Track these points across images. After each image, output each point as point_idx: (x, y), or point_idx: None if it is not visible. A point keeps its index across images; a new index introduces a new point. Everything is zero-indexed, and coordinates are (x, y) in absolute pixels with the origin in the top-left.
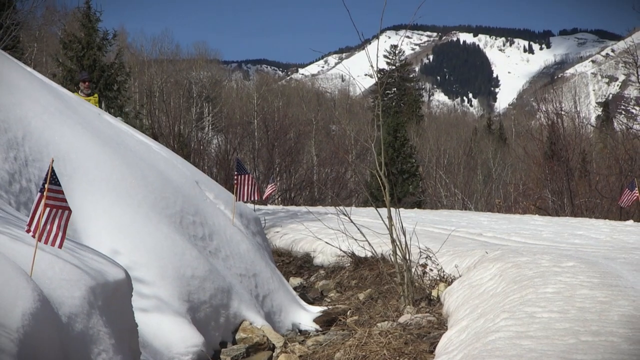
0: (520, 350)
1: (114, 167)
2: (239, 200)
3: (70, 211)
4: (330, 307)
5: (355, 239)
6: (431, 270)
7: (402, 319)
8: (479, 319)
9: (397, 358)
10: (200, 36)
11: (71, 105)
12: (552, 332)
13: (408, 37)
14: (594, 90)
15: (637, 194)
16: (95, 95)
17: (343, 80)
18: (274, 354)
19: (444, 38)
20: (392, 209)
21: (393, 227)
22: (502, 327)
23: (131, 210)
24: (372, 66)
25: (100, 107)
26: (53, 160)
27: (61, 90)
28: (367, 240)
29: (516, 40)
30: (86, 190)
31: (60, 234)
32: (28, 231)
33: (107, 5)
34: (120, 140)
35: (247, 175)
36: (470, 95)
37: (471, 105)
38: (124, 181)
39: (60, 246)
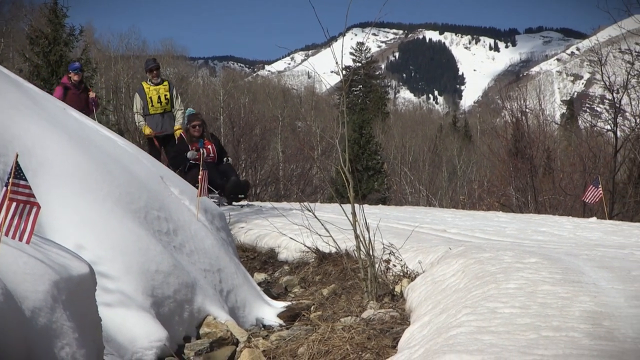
0: (481, 345)
1: (79, 162)
2: (202, 195)
3: (39, 207)
4: (294, 302)
5: (320, 235)
6: (394, 266)
7: (365, 314)
8: (441, 314)
9: (360, 353)
10: (167, 33)
11: (37, 100)
12: (513, 327)
13: (374, 34)
14: (559, 88)
15: (602, 191)
16: (165, 82)
17: (309, 77)
18: (237, 348)
19: (410, 36)
20: (356, 205)
21: (357, 223)
22: (463, 322)
23: (96, 205)
24: (337, 63)
25: (171, 95)
26: (18, 155)
27: (27, 85)
28: (331, 236)
29: (482, 38)
30: (51, 185)
31: (28, 229)
32: None
33: (74, 1)
34: (86, 135)
35: (206, 171)
36: (436, 92)
37: (437, 103)
38: (89, 176)
39: (28, 241)
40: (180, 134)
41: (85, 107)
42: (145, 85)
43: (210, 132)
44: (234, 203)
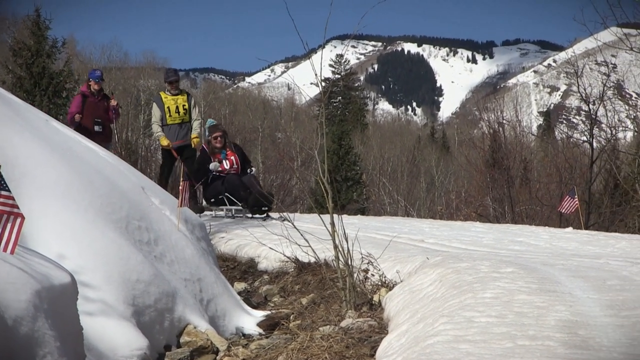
0: (458, 354)
1: (61, 173)
2: (183, 206)
3: (23, 218)
4: (273, 311)
5: (299, 245)
6: (373, 275)
7: (343, 323)
8: (418, 323)
9: None
10: (148, 45)
11: (20, 112)
12: (489, 336)
13: (353, 46)
14: (536, 100)
15: (578, 202)
16: (184, 93)
17: (289, 88)
18: (217, 357)
19: (388, 48)
20: (335, 216)
21: (336, 233)
22: (440, 332)
23: (78, 215)
24: (316, 75)
25: (189, 105)
26: (0, 166)
27: (9, 96)
28: (310, 246)
29: (460, 50)
30: (34, 196)
31: (12, 240)
32: None
33: (56, 13)
34: (68, 146)
35: (188, 182)
36: (414, 104)
37: (415, 114)
38: (71, 187)
39: (12, 252)
40: (202, 146)
41: (105, 115)
42: (163, 95)
43: (233, 142)
44: (256, 216)
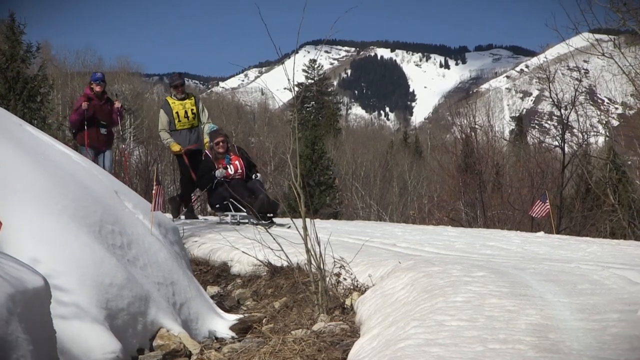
0: (428, 357)
1: (35, 177)
2: (156, 210)
3: (0, 223)
4: (246, 315)
5: (272, 249)
6: (345, 279)
7: (316, 327)
8: (390, 327)
9: None
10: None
11: None
12: (460, 340)
13: (326, 51)
14: (508, 105)
15: (549, 206)
16: (191, 97)
17: (262, 93)
18: None
19: (361, 53)
20: (308, 220)
21: (308, 237)
22: (411, 335)
23: (52, 219)
24: (289, 80)
25: (197, 109)
26: None
27: None
28: (282, 250)
29: (432, 55)
30: (7, 200)
31: None
32: None
33: (31, 18)
34: (42, 150)
35: (160, 186)
36: (387, 109)
37: (388, 119)
38: (45, 191)
39: None
40: (205, 152)
41: (109, 118)
42: (170, 100)
43: (237, 145)
44: (262, 222)
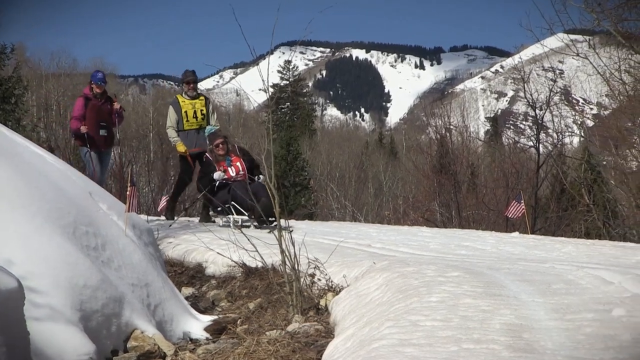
0: (402, 358)
1: (9, 179)
2: (131, 211)
3: None
4: (220, 316)
5: (246, 250)
6: (319, 280)
7: (290, 328)
8: (364, 327)
9: None
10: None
11: None
12: (434, 340)
13: (302, 52)
14: (483, 105)
15: (524, 207)
16: (202, 97)
17: (237, 95)
18: None
19: (337, 54)
20: (282, 220)
21: (282, 238)
22: (386, 335)
23: (26, 221)
24: (264, 81)
25: (207, 110)
26: None
27: None
28: (257, 251)
29: (407, 56)
30: None
31: None
32: None
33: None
34: (16, 152)
35: (135, 187)
36: (363, 110)
37: (363, 120)
38: (19, 192)
39: None
40: (205, 155)
41: (109, 118)
42: (180, 98)
43: (239, 146)
44: (264, 226)
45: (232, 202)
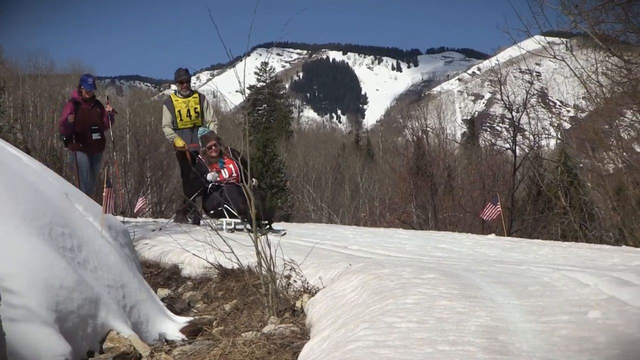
0: (378, 359)
1: None
2: (107, 212)
3: None
4: (196, 317)
5: (222, 251)
6: (295, 281)
7: (266, 329)
8: (340, 329)
9: None
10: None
11: None
12: (410, 342)
13: (278, 54)
14: (460, 107)
15: (500, 209)
16: (195, 94)
17: (214, 96)
18: None
19: (313, 56)
20: (277, 224)
21: (258, 239)
22: (361, 337)
23: (1, 222)
24: (240, 83)
25: (202, 107)
26: None
27: None
28: (233, 252)
29: (385, 58)
30: None
31: None
32: None
33: None
34: None
35: (110, 188)
36: (339, 112)
37: (340, 122)
38: None
39: None
40: (198, 157)
41: (99, 121)
42: (173, 97)
43: (232, 148)
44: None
45: (225, 206)
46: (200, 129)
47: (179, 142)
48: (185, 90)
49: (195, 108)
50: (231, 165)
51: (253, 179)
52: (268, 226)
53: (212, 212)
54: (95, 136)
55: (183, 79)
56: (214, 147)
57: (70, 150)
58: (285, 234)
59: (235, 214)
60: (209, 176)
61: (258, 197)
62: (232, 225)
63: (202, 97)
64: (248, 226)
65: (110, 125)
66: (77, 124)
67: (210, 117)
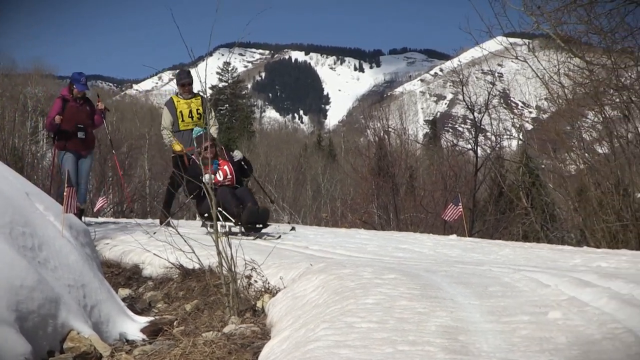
0: (338, 359)
1: None
2: (68, 212)
3: None
4: (157, 317)
5: (183, 251)
6: (256, 282)
7: (226, 329)
8: (300, 329)
9: None
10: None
11: None
12: (370, 342)
13: (241, 54)
14: (422, 108)
15: (462, 209)
16: (198, 97)
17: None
18: None
19: (276, 56)
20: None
21: (219, 239)
22: (321, 337)
23: None
24: (202, 83)
25: (204, 109)
26: None
27: None
28: (194, 252)
29: (347, 59)
30: None
31: None
32: None
33: None
34: None
35: (72, 188)
36: (302, 112)
37: (302, 122)
38: None
39: None
40: (192, 157)
41: (88, 121)
42: (175, 98)
43: (226, 149)
44: (252, 234)
45: (219, 209)
46: (195, 129)
47: (177, 147)
48: (187, 92)
49: (198, 110)
50: (226, 167)
51: (249, 179)
52: (261, 228)
53: (206, 215)
54: (80, 135)
55: (185, 81)
56: (209, 148)
57: (57, 149)
58: (280, 237)
59: (229, 217)
60: (206, 178)
61: (251, 200)
62: (227, 229)
63: (204, 100)
64: (242, 229)
65: (104, 123)
66: (63, 122)
67: (211, 121)
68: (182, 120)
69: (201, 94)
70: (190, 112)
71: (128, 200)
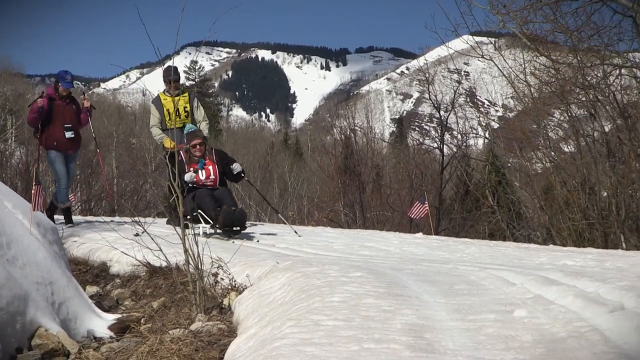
0: (303, 357)
1: None
2: (36, 210)
3: None
4: (124, 315)
5: (150, 249)
6: (223, 279)
7: (193, 327)
8: (266, 326)
9: None
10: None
11: None
12: (336, 340)
13: (208, 53)
14: (389, 107)
15: (428, 207)
16: (185, 93)
17: (144, 94)
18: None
19: (243, 55)
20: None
21: (186, 237)
22: (287, 335)
23: None
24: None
25: (191, 106)
26: None
27: None
28: (161, 250)
29: (313, 57)
30: None
31: None
32: None
33: None
34: None
35: (40, 186)
36: (268, 110)
37: (269, 121)
38: None
39: None
40: (181, 154)
41: (74, 120)
42: (162, 96)
43: (217, 149)
44: (232, 235)
45: (199, 211)
46: (187, 125)
47: (168, 143)
48: (174, 89)
49: (185, 107)
50: (210, 167)
51: (236, 164)
52: (239, 231)
53: (188, 217)
54: (68, 134)
55: (172, 78)
56: (198, 147)
57: (42, 146)
58: (259, 241)
59: (208, 218)
60: (187, 177)
61: (231, 201)
62: (207, 231)
63: (192, 97)
64: (219, 231)
65: (90, 121)
66: (50, 121)
67: (200, 117)
68: (170, 119)
69: (188, 90)
70: (178, 110)
71: (110, 197)
